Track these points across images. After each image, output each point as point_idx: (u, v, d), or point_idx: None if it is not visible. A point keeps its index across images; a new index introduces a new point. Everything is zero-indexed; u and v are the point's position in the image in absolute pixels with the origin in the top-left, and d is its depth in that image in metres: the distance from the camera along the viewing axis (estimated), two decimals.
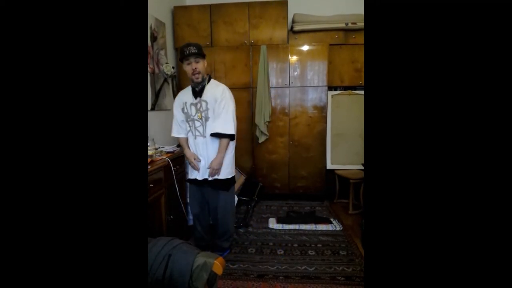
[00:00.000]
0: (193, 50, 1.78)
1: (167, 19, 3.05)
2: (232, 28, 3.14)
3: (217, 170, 1.90)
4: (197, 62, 1.82)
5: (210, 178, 1.94)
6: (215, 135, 1.87)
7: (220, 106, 1.85)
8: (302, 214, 2.89)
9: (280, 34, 3.11)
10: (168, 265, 1.15)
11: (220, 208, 2.00)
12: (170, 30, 3.16)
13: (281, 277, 1.85)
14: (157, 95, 2.74)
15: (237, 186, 2.81)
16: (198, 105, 1.89)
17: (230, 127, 1.85)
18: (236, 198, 2.56)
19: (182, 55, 1.82)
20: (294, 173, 3.27)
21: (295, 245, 2.28)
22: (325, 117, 3.19)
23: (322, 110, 3.17)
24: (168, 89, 3.01)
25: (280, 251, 2.19)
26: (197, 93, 1.89)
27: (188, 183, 2.10)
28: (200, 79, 1.85)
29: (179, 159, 2.23)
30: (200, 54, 1.82)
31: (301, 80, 3.15)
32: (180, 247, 1.21)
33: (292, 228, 2.58)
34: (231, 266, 1.99)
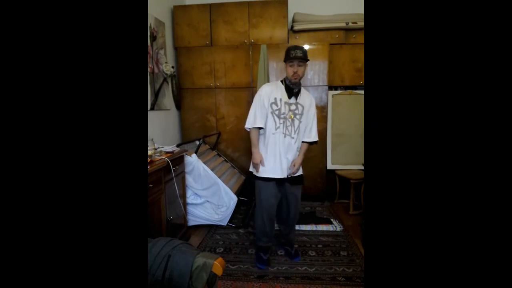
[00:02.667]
0: (299, 53, 1.79)
1: (166, 19, 3.04)
2: (232, 27, 3.12)
3: (297, 169, 2.00)
4: (300, 66, 1.83)
5: (289, 176, 1.97)
6: (308, 143, 2.01)
7: (310, 114, 1.97)
8: (303, 214, 2.87)
9: (280, 33, 3.09)
10: (168, 265, 1.14)
11: (298, 202, 2.08)
12: (170, 29, 3.14)
13: (281, 278, 1.84)
14: (156, 95, 2.73)
15: (236, 186, 2.79)
16: (294, 106, 1.90)
17: (317, 135, 2.06)
18: (235, 198, 2.54)
19: (287, 56, 1.83)
20: None
21: (295, 245, 2.26)
22: (326, 117, 3.18)
23: (322, 109, 3.15)
24: (168, 89, 3.00)
25: (281, 252, 2.17)
26: (294, 94, 1.90)
27: (259, 181, 1.98)
28: (298, 80, 1.88)
29: (179, 159, 2.22)
30: (305, 59, 1.82)
31: (301, 80, 3.13)
32: (179, 248, 1.20)
33: None
34: (231, 266, 1.98)
